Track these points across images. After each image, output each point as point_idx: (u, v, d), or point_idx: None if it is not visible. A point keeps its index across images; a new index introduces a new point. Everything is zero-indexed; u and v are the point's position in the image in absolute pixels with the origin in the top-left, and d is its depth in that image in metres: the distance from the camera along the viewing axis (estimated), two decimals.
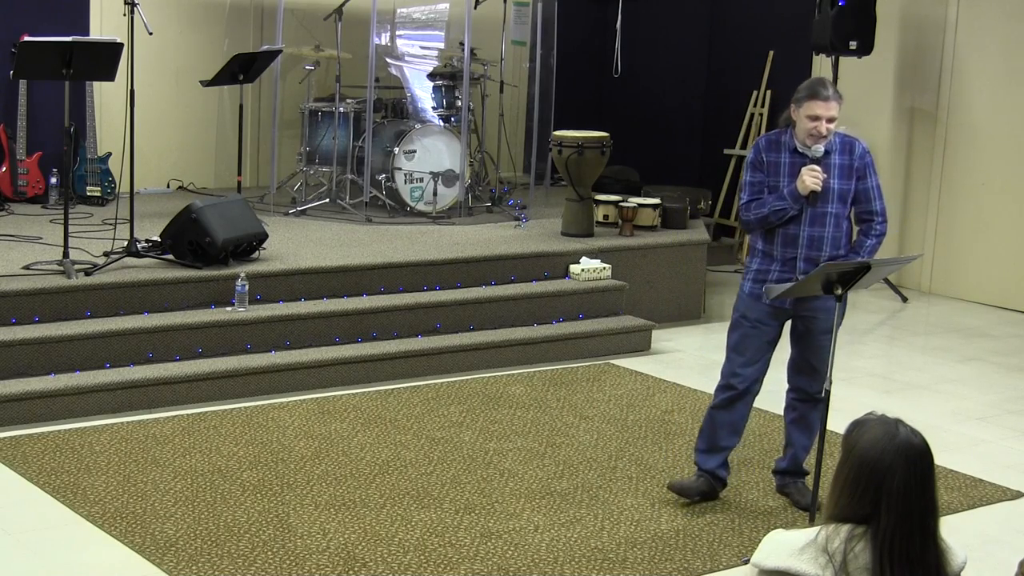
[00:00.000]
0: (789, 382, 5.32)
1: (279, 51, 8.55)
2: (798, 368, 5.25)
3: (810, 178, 4.88)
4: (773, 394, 6.93)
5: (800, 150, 4.97)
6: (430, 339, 7.10)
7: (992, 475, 5.79)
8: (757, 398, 5.22)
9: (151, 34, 6.83)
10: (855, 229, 5.15)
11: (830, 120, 4.90)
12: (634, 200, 8.67)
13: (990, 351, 8.15)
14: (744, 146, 10.74)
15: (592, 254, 7.99)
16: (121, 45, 6.55)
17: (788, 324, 5.21)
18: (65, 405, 5.92)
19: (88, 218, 8.04)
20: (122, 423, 5.91)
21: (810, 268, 4.92)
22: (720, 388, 5.22)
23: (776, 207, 4.95)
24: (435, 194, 8.68)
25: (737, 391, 5.15)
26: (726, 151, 10.85)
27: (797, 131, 4.97)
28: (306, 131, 9.04)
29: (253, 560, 4.52)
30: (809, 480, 5.29)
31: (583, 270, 7.86)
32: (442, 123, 9.11)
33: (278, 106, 9.15)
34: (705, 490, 5.28)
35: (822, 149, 4.93)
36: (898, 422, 2.74)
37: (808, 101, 4.90)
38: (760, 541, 2.78)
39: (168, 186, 9.42)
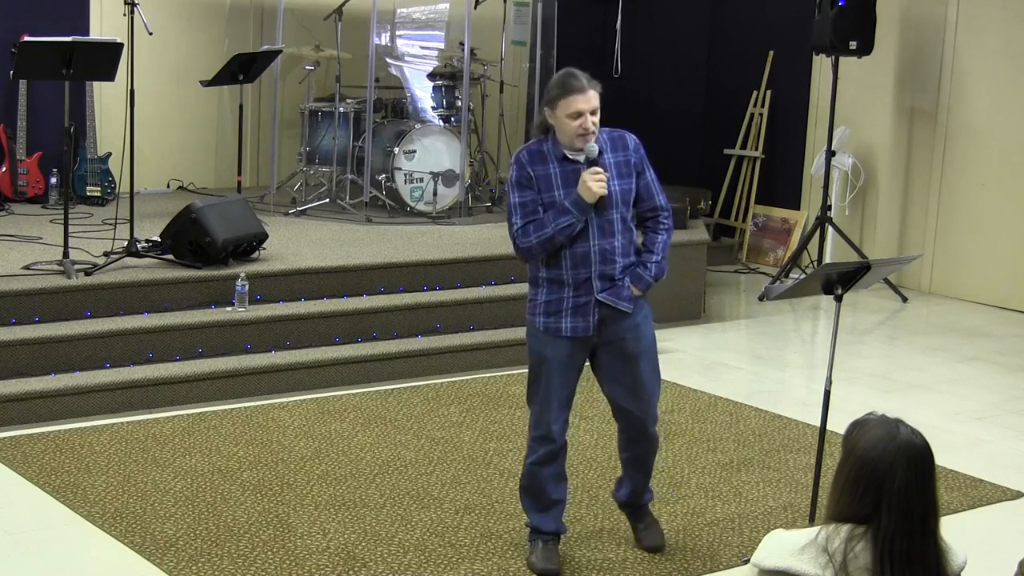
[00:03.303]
0: (616, 419, 4.63)
1: (279, 51, 8.55)
2: (621, 403, 4.54)
3: (595, 183, 4.25)
4: (773, 394, 6.95)
5: (570, 156, 4.33)
6: (430, 339, 7.10)
7: (992, 475, 5.79)
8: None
9: (151, 34, 6.84)
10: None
11: (594, 112, 4.29)
12: None
13: (990, 351, 8.14)
14: (744, 146, 10.74)
15: None
16: (121, 45, 6.56)
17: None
18: (65, 405, 5.92)
19: (88, 218, 8.04)
20: (122, 423, 5.90)
21: (607, 285, 4.36)
22: (537, 440, 4.49)
23: (561, 224, 4.27)
24: (435, 194, 8.68)
25: (557, 444, 4.47)
26: (726, 151, 10.85)
27: (560, 135, 4.33)
28: (306, 131, 9.04)
29: (253, 560, 4.52)
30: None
31: None
32: (442, 123, 9.11)
33: (278, 106, 9.15)
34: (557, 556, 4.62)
35: (596, 148, 4.31)
36: (899, 422, 2.74)
37: (564, 99, 4.26)
38: (760, 541, 2.78)
39: (168, 186, 9.42)
